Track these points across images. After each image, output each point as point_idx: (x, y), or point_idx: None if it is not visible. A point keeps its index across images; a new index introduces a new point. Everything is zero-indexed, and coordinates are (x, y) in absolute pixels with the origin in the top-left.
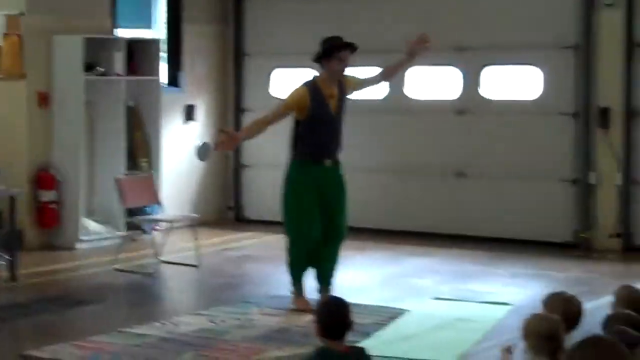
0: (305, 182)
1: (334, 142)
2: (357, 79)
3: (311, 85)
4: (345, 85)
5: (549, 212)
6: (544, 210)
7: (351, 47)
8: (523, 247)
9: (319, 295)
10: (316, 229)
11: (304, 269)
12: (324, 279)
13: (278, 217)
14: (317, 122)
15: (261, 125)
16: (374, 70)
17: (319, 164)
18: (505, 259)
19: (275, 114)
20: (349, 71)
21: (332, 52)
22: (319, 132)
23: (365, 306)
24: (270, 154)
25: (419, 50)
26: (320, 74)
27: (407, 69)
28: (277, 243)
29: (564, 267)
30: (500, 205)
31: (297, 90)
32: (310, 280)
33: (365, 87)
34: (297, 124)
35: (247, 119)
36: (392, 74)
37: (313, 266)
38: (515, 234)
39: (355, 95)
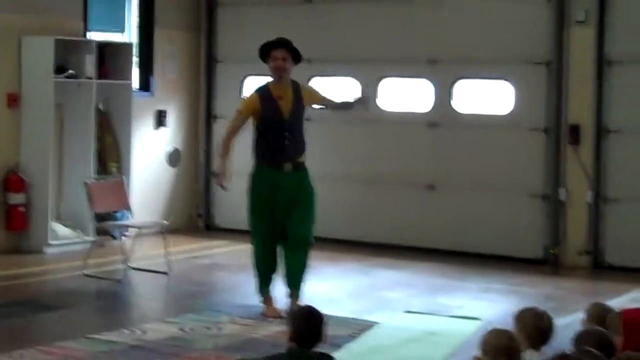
0: (260, 187)
1: (292, 145)
2: (317, 94)
3: (261, 90)
4: (302, 92)
5: (519, 228)
6: (514, 226)
7: (284, 46)
8: (493, 261)
9: (289, 300)
10: (271, 234)
11: (267, 274)
12: (292, 284)
13: (246, 225)
14: (270, 124)
15: (227, 141)
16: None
17: (277, 168)
18: (476, 273)
19: (233, 124)
20: (315, 83)
21: (266, 54)
22: (272, 135)
23: (336, 318)
24: (239, 162)
25: (359, 108)
26: (271, 80)
27: (338, 110)
28: (247, 252)
29: (534, 282)
30: (470, 219)
31: (248, 96)
32: (279, 288)
33: (321, 104)
34: (255, 130)
35: (218, 126)
36: (331, 107)
37: (282, 270)
38: (486, 249)
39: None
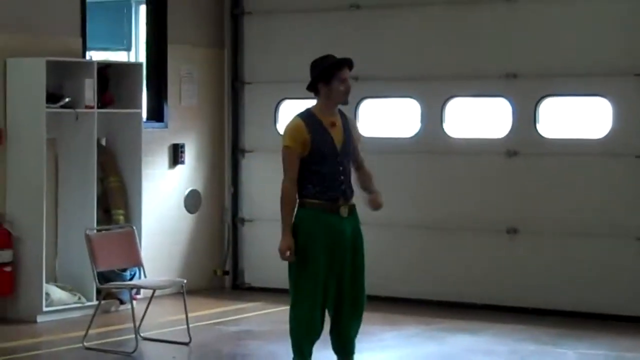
0: (313, 236)
1: (347, 184)
2: (358, 133)
3: (305, 116)
4: (350, 123)
5: (624, 279)
6: (617, 276)
7: (350, 65)
8: (594, 321)
9: None
10: (323, 294)
11: (310, 343)
12: (346, 352)
13: (285, 284)
14: (322, 157)
15: (288, 197)
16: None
17: (333, 212)
18: (572, 336)
19: (290, 167)
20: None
21: (332, 73)
22: (327, 172)
23: None
24: (276, 206)
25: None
26: (315, 105)
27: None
28: (284, 315)
29: None
30: (562, 269)
31: (290, 125)
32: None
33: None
34: (300, 164)
35: (248, 162)
36: (361, 186)
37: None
38: (584, 306)
39: (377, 133)
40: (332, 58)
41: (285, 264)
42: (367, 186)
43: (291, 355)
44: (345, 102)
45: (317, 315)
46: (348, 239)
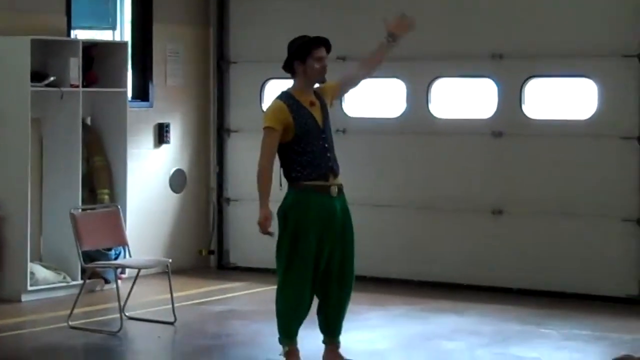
0: (303, 216)
1: (333, 159)
2: (332, 83)
3: (286, 97)
4: (322, 93)
5: (609, 260)
6: (602, 257)
7: (327, 45)
8: (578, 302)
9: (328, 351)
10: (313, 273)
11: (298, 321)
12: (332, 332)
13: (270, 264)
14: (308, 137)
15: (268, 171)
16: (350, 66)
17: (323, 192)
18: (557, 316)
19: (268, 146)
20: None
21: (308, 51)
22: (313, 149)
23: None
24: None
25: (402, 34)
26: (292, 85)
27: (388, 54)
28: (269, 295)
29: (628, 327)
30: (548, 250)
31: (271, 107)
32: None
33: (345, 89)
34: (282, 148)
35: (234, 142)
36: (374, 64)
37: (321, 316)
38: (568, 287)
39: (362, 113)
40: (306, 38)
41: (272, 243)
42: (371, 57)
43: (276, 335)
44: (322, 81)
45: (306, 296)
46: (339, 218)
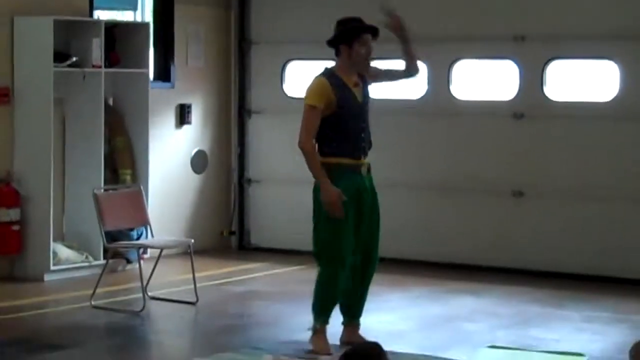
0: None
1: (367, 139)
2: (377, 69)
3: (329, 75)
4: (366, 79)
5: (629, 242)
6: (622, 239)
7: (374, 32)
8: (598, 284)
9: (347, 332)
10: (353, 253)
11: (333, 303)
12: (354, 313)
13: (291, 245)
14: (346, 116)
15: (312, 154)
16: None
17: (356, 172)
18: (576, 298)
19: (309, 125)
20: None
21: (355, 35)
22: (351, 128)
23: (403, 355)
24: (283, 167)
25: (403, 34)
26: (335, 65)
27: (410, 48)
28: (290, 276)
29: None
30: (567, 232)
31: (314, 83)
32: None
33: (382, 79)
34: (320, 123)
35: (255, 123)
36: (412, 63)
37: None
38: (589, 269)
39: (384, 94)
40: (358, 22)
41: (292, 224)
42: (405, 61)
43: (297, 315)
44: (366, 70)
45: (348, 274)
46: (369, 196)
